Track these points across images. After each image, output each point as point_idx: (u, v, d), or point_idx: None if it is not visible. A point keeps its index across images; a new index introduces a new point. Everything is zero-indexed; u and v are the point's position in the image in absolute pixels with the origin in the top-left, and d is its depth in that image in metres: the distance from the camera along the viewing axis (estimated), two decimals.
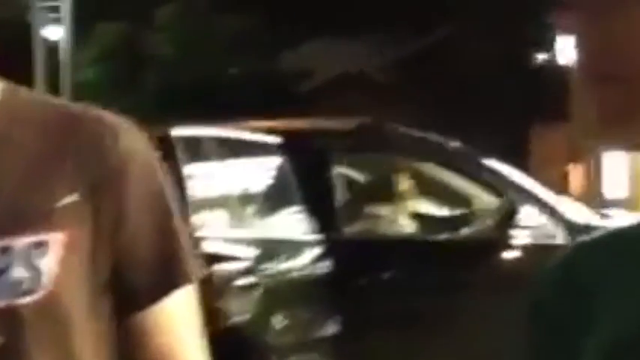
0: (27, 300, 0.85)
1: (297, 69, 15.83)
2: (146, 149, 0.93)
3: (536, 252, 3.97)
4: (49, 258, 0.86)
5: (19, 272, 0.85)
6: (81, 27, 13.33)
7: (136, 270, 0.90)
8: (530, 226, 4.00)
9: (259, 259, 3.80)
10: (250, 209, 4.22)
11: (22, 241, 0.86)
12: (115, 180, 0.90)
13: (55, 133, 0.90)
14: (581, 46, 0.55)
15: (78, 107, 0.94)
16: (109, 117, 0.92)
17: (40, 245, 0.86)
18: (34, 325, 0.85)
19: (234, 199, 4.16)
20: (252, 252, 3.82)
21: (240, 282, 3.57)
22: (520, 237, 4.01)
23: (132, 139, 0.92)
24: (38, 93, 0.95)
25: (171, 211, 0.93)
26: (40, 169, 0.88)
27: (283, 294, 3.84)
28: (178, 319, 0.92)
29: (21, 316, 0.85)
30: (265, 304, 3.72)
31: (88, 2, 13.12)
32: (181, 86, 14.80)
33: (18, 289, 0.85)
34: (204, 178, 3.97)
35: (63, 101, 0.94)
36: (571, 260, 0.63)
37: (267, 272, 3.81)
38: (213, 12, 15.52)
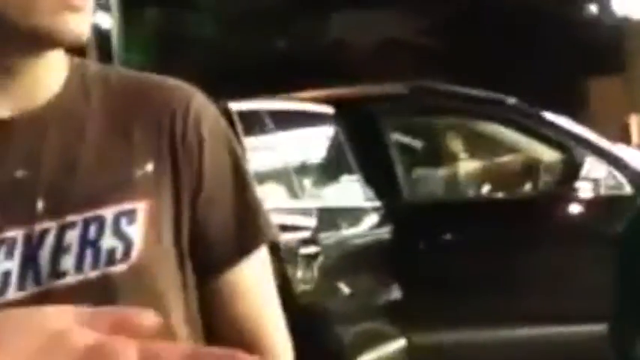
0: (120, 268, 0.85)
1: (336, 40, 15.77)
2: (216, 115, 0.93)
3: (603, 204, 3.87)
4: (138, 226, 0.86)
5: (110, 241, 0.85)
6: (127, 13, 13.49)
7: (214, 233, 0.90)
8: (595, 179, 3.90)
9: (320, 228, 3.80)
10: (308, 180, 4.22)
11: (111, 210, 0.85)
12: (190, 146, 0.89)
13: (126, 104, 0.90)
14: None
15: (146, 77, 0.93)
16: (178, 85, 0.92)
17: (129, 213, 0.86)
18: (126, 294, 0.85)
19: (292, 170, 4.16)
20: (312, 222, 3.82)
21: (303, 251, 3.58)
22: (586, 190, 3.91)
23: (203, 106, 0.91)
24: (106, 66, 0.94)
25: (245, 173, 0.93)
26: (116, 140, 0.88)
27: (345, 261, 3.83)
28: (257, 280, 0.92)
29: (114, 286, 0.84)
30: (328, 272, 3.72)
31: None
32: (227, 64, 14.88)
33: (112, 258, 0.85)
34: (261, 151, 3.98)
35: (131, 72, 0.94)
36: None
37: (329, 241, 3.80)
38: None
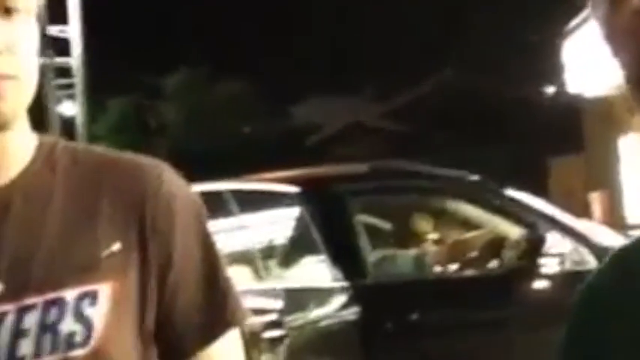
0: (79, 352, 0.83)
1: (304, 124, 16.08)
2: (189, 192, 0.92)
3: (567, 279, 3.89)
4: (99, 308, 0.84)
5: (70, 324, 0.83)
6: (94, 101, 13.61)
7: (183, 315, 0.88)
8: (558, 254, 3.92)
9: (286, 310, 3.75)
10: (273, 261, 4.18)
11: (73, 292, 0.84)
12: (161, 226, 0.88)
13: (96, 183, 0.89)
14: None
15: (117, 154, 0.92)
16: (149, 163, 0.91)
17: (90, 295, 0.84)
18: None
19: (258, 251, 4.13)
20: (278, 304, 3.77)
21: (268, 334, 3.51)
22: (549, 266, 3.93)
23: (175, 184, 0.91)
24: (78, 144, 0.94)
25: (216, 254, 0.92)
26: (84, 219, 0.87)
27: (312, 344, 3.77)
28: None
29: None
30: (295, 354, 3.65)
31: (99, 78, 13.40)
32: (194, 150, 14.98)
33: (71, 341, 0.83)
34: (225, 232, 3.95)
35: (103, 149, 0.93)
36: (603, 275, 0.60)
37: (295, 323, 3.75)
38: (216, 79, 15.95)
